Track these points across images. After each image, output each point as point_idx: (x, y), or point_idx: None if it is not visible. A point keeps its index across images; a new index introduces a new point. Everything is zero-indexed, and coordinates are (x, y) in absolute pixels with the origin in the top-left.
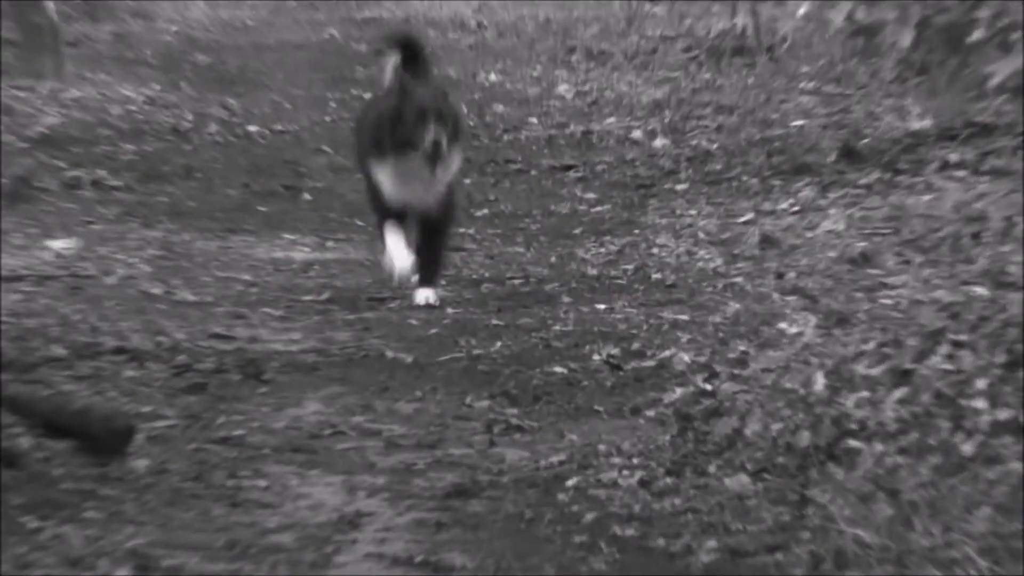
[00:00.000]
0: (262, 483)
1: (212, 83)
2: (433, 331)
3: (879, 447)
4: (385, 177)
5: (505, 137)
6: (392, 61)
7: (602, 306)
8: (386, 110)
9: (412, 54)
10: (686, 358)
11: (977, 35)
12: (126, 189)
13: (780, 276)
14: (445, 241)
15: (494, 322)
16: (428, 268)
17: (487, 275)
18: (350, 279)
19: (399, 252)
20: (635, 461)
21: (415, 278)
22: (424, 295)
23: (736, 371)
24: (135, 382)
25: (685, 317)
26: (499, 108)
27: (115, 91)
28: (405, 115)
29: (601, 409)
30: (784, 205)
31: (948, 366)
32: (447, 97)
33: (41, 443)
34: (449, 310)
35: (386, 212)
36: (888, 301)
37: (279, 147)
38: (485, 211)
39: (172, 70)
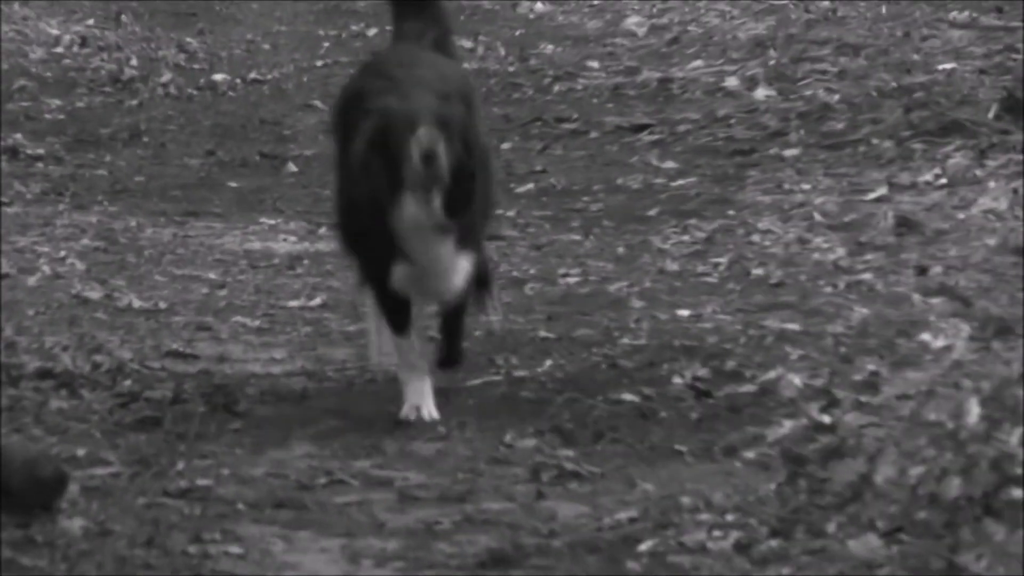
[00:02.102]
0: (236, 549)
1: (165, 17)
2: (462, 345)
3: None
4: (400, 270)
5: (556, 88)
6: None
7: (685, 312)
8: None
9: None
10: (797, 381)
11: None
12: (52, 159)
13: (922, 271)
14: (465, 318)
15: (542, 334)
16: (451, 347)
17: (533, 272)
18: (350, 277)
19: (408, 344)
20: (729, 518)
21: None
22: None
23: (863, 398)
24: (66, 416)
25: (796, 327)
26: (548, 49)
27: (36, 28)
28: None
29: (684, 449)
30: (927, 176)
31: None
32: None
33: None
34: (482, 319)
35: (395, 301)
36: None
37: (254, 102)
38: (530, 186)
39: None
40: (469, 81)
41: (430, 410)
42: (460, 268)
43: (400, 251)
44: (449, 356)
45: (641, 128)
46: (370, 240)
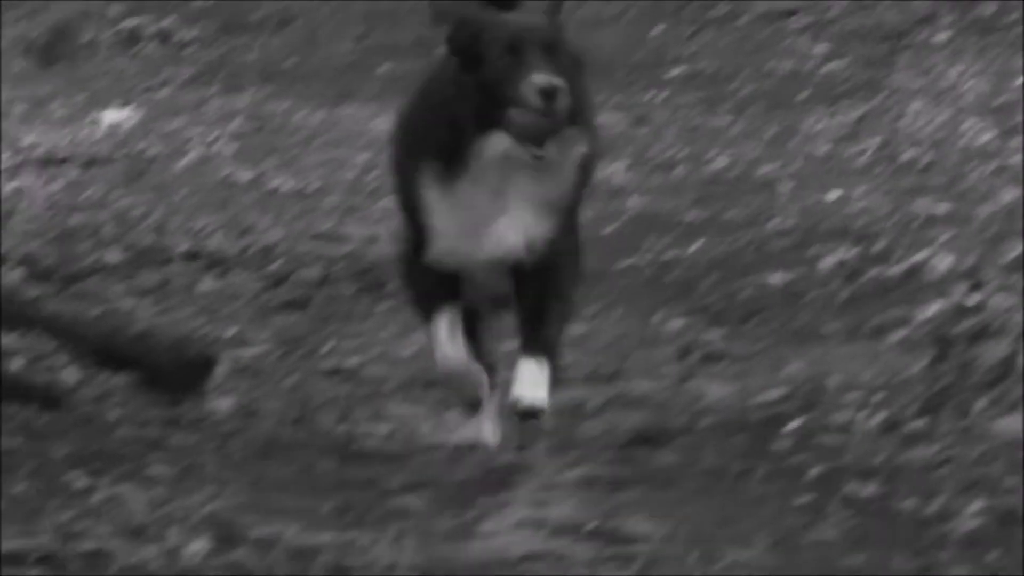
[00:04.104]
0: (383, 428)
1: None
2: (609, 228)
3: None
4: (438, 204)
5: None
6: None
7: (834, 195)
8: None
9: None
10: (944, 263)
11: None
12: (202, 43)
13: None
14: (566, 285)
15: (690, 216)
16: (537, 326)
17: (681, 155)
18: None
19: (454, 345)
20: (876, 398)
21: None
22: (524, 390)
23: (1011, 279)
24: (215, 297)
25: (944, 209)
26: None
27: None
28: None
29: (831, 331)
30: None
31: None
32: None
33: (91, 377)
34: (630, 202)
35: (435, 278)
36: None
37: None
38: (679, 71)
39: None
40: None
41: (492, 435)
42: (551, 199)
43: (460, 192)
44: (536, 336)
45: (791, 12)
46: (423, 178)
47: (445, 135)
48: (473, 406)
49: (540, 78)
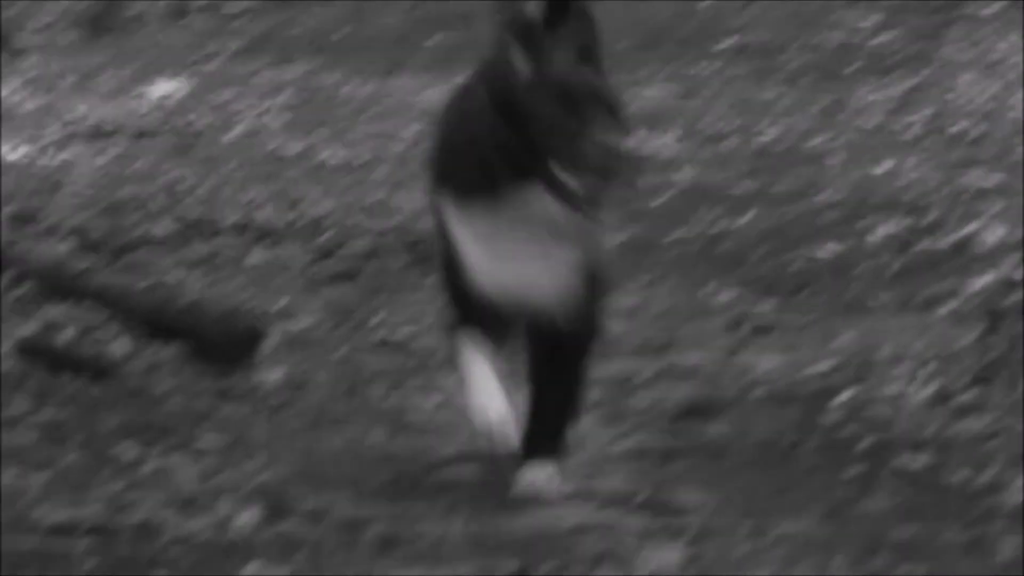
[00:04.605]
0: (433, 400)
1: None
2: (661, 199)
3: None
4: (473, 240)
5: None
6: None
7: (884, 167)
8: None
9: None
10: (994, 235)
11: None
12: (251, 14)
13: None
14: (582, 370)
15: (740, 188)
16: (547, 424)
17: (731, 127)
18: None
19: (487, 393)
20: (927, 370)
21: (519, 440)
22: (537, 476)
23: None
24: (264, 269)
25: (994, 182)
26: None
27: None
28: (529, 109)
29: (882, 303)
30: None
31: None
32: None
33: (141, 349)
34: (680, 174)
35: (468, 312)
36: None
37: None
38: (730, 42)
39: None
40: None
41: (494, 414)
42: (584, 248)
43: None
44: (544, 436)
45: None
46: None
47: (479, 174)
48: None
49: (611, 140)
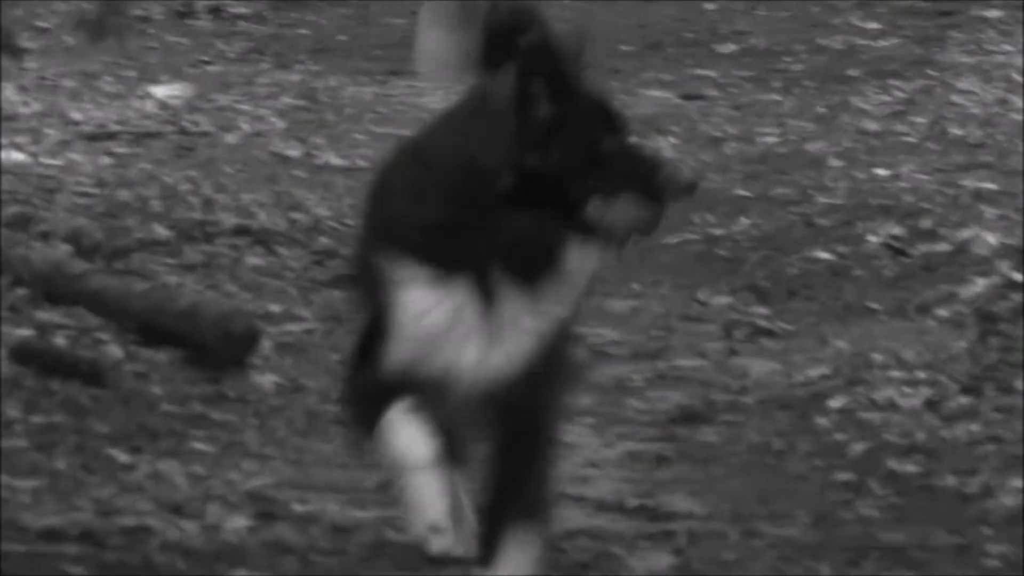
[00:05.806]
0: None
1: None
2: None
3: None
4: (418, 309)
5: None
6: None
7: (883, 171)
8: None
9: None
10: (991, 240)
11: None
12: (254, 18)
13: None
14: (547, 449)
15: (739, 192)
16: (510, 515)
17: (732, 131)
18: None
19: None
20: (920, 375)
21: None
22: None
23: None
24: (262, 272)
25: (993, 186)
26: None
27: None
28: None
29: (877, 307)
30: None
31: None
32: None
33: (135, 353)
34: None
35: (394, 387)
36: None
37: None
38: (732, 47)
39: None
40: None
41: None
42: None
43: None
44: (505, 526)
45: None
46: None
47: (447, 220)
48: (435, 527)
49: (674, 169)
